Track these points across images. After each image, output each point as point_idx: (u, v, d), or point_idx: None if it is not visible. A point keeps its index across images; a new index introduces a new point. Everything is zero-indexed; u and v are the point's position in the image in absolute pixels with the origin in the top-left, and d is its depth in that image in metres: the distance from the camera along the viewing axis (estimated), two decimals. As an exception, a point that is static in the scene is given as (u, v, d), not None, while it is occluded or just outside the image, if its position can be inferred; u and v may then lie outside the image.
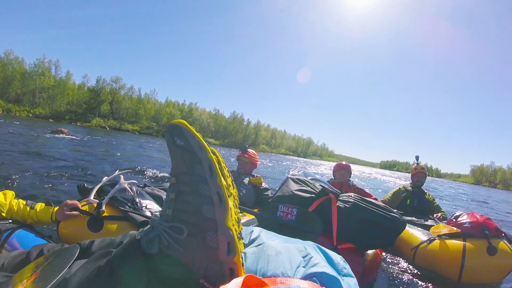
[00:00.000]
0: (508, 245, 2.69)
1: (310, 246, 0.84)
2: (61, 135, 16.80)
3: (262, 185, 3.86)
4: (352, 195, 2.47)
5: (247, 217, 2.65)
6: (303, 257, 0.78)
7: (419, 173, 4.66)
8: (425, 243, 2.94)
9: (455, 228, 2.88)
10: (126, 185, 2.14)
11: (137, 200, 2.11)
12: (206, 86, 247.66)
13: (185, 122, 0.74)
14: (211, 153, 0.73)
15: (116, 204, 2.01)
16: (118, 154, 11.89)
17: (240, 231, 0.79)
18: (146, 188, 2.44)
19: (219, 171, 0.73)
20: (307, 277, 0.70)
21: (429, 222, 3.61)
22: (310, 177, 2.85)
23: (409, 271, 2.96)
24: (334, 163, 5.08)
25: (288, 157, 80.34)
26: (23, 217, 1.91)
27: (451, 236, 2.81)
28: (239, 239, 0.75)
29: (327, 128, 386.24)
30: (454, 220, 3.03)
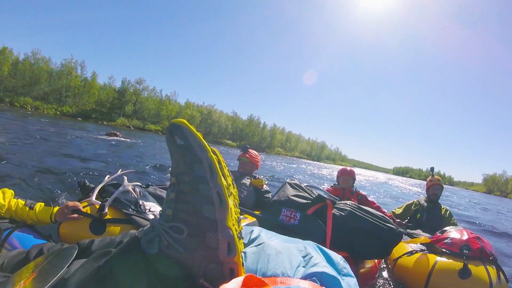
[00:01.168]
0: (487, 271, 2.32)
1: (310, 246, 0.84)
2: (115, 137, 18.50)
3: (264, 187, 3.77)
4: (349, 203, 2.40)
5: (248, 219, 2.61)
6: (303, 257, 0.78)
7: (435, 185, 4.36)
8: (405, 255, 2.78)
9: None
10: (129, 187, 2.10)
11: (140, 202, 2.06)
12: (224, 88, 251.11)
13: (186, 122, 0.74)
14: (211, 152, 0.73)
15: (119, 207, 1.97)
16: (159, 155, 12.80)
17: (240, 230, 0.78)
18: (150, 188, 2.40)
19: (219, 171, 0.72)
20: (307, 277, 0.70)
21: (423, 237, 3.35)
22: (305, 184, 2.80)
23: (388, 282, 2.88)
24: None
25: (302, 160, 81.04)
26: (22, 217, 1.88)
27: (433, 251, 2.63)
28: (239, 239, 0.75)
29: (341, 132, 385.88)
30: (438, 234, 2.81)
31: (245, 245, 0.89)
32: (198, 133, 0.73)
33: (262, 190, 3.73)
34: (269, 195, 3.71)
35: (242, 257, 0.74)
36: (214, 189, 0.70)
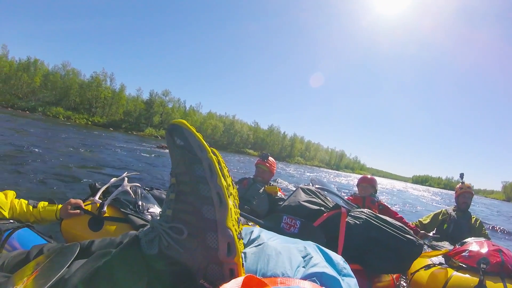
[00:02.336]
0: None
1: (310, 246, 0.83)
2: (166, 150, 19.72)
3: (278, 194, 3.61)
4: (366, 211, 2.23)
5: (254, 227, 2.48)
6: (303, 257, 0.77)
7: (465, 193, 4.11)
8: (422, 269, 2.60)
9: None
10: (128, 188, 2.15)
11: (139, 203, 2.12)
12: (245, 97, 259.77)
13: (185, 122, 0.74)
14: (211, 153, 0.73)
15: (118, 206, 2.03)
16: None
17: (240, 231, 0.78)
18: (154, 191, 2.44)
19: (219, 171, 0.72)
20: (307, 277, 0.70)
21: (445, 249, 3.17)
22: (318, 185, 2.66)
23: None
24: None
25: (321, 169, 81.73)
26: (25, 217, 1.91)
27: (451, 265, 2.44)
28: (239, 239, 0.75)
29: (360, 141, 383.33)
30: (458, 246, 2.62)
31: (245, 246, 0.88)
32: (198, 134, 0.73)
33: (276, 197, 3.57)
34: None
35: (242, 258, 0.73)
36: (214, 190, 0.70)
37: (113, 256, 0.71)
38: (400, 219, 3.71)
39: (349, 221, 2.14)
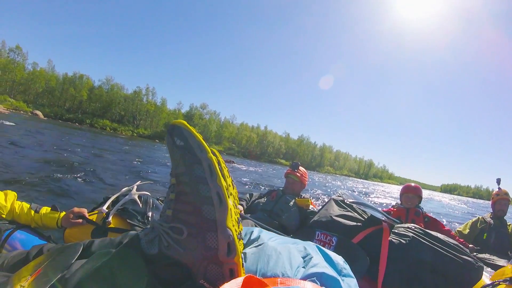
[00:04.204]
0: None
1: (310, 247, 0.83)
2: (232, 164, 21.62)
3: (310, 207, 3.24)
4: (413, 227, 1.91)
5: None
6: (303, 257, 0.77)
7: (502, 200, 3.85)
8: None
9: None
10: (136, 197, 2.02)
11: (149, 213, 1.99)
12: (274, 107, 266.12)
13: (185, 122, 0.74)
14: (211, 153, 0.73)
15: (125, 216, 1.92)
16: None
17: (240, 231, 0.78)
18: None
19: (219, 172, 0.72)
20: (307, 277, 0.69)
21: (501, 262, 2.87)
22: (352, 199, 2.33)
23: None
24: (394, 186, 4.16)
25: (350, 178, 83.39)
26: (26, 221, 1.85)
27: None
28: (239, 240, 0.75)
29: (388, 150, 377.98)
30: None
31: (245, 246, 0.88)
32: (197, 134, 0.74)
33: (308, 211, 3.24)
34: None
35: (242, 258, 0.73)
36: (213, 190, 0.70)
37: (113, 256, 0.71)
38: (448, 232, 3.43)
39: (393, 239, 1.83)
